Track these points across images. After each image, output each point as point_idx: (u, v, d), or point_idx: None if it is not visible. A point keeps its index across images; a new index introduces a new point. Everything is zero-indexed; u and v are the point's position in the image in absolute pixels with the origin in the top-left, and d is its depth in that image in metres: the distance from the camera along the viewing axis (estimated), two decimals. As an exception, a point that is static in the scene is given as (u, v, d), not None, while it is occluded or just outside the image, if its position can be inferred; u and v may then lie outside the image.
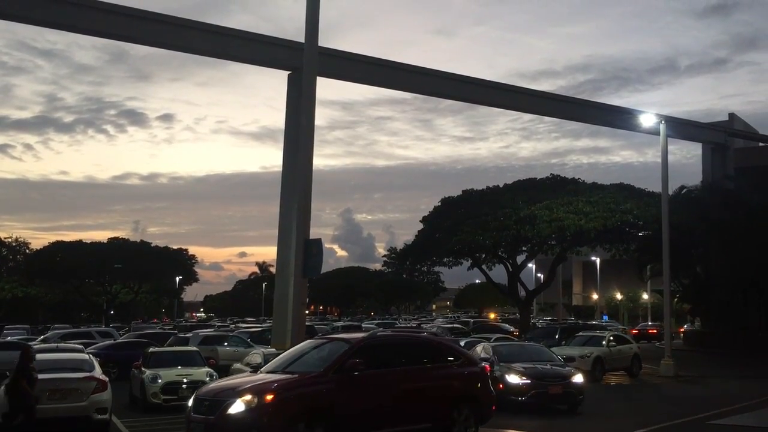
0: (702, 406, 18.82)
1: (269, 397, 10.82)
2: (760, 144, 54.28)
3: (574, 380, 17.83)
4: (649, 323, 63.33)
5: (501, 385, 17.34)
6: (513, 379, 17.59)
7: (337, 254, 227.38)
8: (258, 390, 10.99)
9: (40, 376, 15.30)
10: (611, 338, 29.05)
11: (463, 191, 51.80)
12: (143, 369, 19.45)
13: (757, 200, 38.96)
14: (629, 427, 15.29)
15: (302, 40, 17.36)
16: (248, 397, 10.81)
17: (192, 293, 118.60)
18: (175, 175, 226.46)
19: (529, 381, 17.47)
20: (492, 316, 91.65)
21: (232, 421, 10.69)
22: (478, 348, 20.45)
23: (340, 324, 55.77)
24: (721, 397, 21.10)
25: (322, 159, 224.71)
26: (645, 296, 77.89)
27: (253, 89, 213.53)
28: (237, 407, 10.73)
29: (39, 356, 17.77)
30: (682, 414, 17.46)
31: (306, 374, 11.67)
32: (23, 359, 13.92)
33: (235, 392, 11.04)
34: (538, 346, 21.48)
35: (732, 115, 53.44)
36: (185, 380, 18.83)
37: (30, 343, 30.91)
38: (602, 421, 16.58)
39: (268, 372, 12.30)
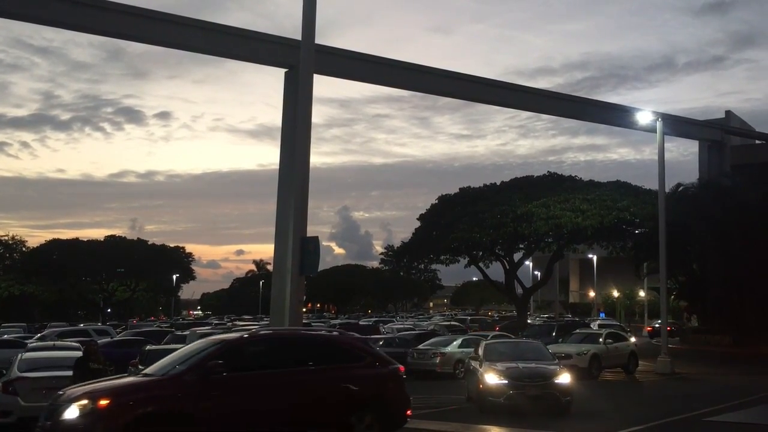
0: (698, 402, 18.85)
1: (103, 402, 10.15)
2: (757, 141, 54.42)
3: (557, 381, 16.54)
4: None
5: (480, 386, 16.87)
6: (491, 379, 16.60)
7: (334, 252, 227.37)
8: (93, 394, 10.36)
9: (37, 375, 15.35)
10: (608, 335, 29.14)
11: (460, 189, 51.89)
12: (140, 367, 19.43)
13: (753, 197, 39.03)
14: (624, 425, 15.30)
15: (299, 37, 17.35)
16: (83, 402, 10.17)
17: (189, 291, 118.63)
18: (172, 173, 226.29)
19: (506, 381, 16.40)
20: (490, 313, 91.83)
21: (64, 428, 10.06)
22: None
23: (337, 321, 55.76)
24: (718, 394, 21.14)
25: (319, 156, 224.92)
26: (642, 293, 78.03)
27: (250, 87, 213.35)
28: (71, 413, 10.10)
29: (35, 354, 17.85)
30: (677, 411, 17.50)
31: (163, 377, 10.95)
32: (86, 355, 14.21)
33: (73, 397, 10.43)
34: (534, 344, 20.63)
35: (729, 113, 53.57)
36: (182, 378, 18.82)
37: (25, 341, 30.96)
38: (593, 419, 16.44)
39: (146, 373, 11.61)
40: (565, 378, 16.72)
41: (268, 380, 11.24)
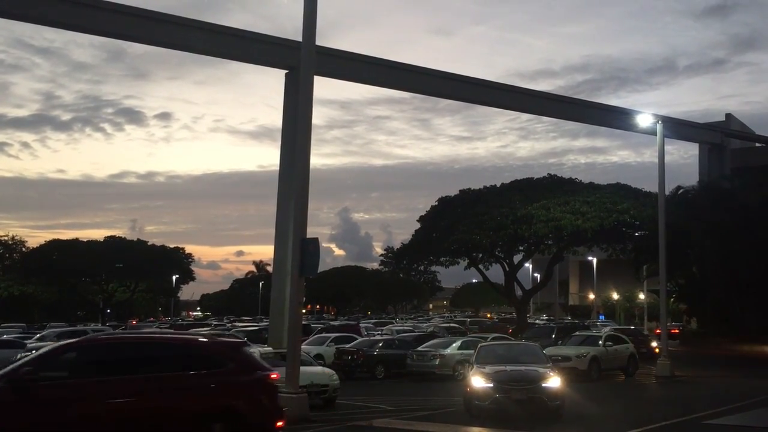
0: (698, 405, 18.84)
1: None
2: (757, 144, 54.45)
3: (545, 385, 16.01)
4: (672, 323, 62.85)
5: (468, 389, 16.62)
6: (477, 382, 16.25)
7: (334, 253, 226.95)
8: None
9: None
10: (607, 338, 29.17)
11: (460, 191, 51.88)
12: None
13: (753, 200, 39.04)
14: (623, 427, 15.29)
15: (300, 39, 17.37)
16: None
17: (189, 292, 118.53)
18: (173, 174, 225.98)
19: (491, 385, 15.99)
20: (489, 315, 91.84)
21: None
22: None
23: (336, 323, 55.76)
24: (717, 397, 21.14)
25: (319, 158, 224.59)
26: (641, 296, 77.97)
27: (251, 88, 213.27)
28: None
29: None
30: (677, 414, 17.47)
31: None
32: None
33: None
34: (530, 346, 20.15)
35: (729, 116, 53.64)
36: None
37: (25, 341, 30.95)
38: (583, 423, 16.27)
39: None
40: (554, 382, 16.20)
41: (96, 389, 10.16)
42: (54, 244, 78.89)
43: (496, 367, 16.74)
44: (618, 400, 21.46)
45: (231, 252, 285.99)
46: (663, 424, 15.89)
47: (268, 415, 11.05)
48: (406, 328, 47.56)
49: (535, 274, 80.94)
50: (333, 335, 34.34)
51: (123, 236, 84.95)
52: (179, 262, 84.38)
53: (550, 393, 16.06)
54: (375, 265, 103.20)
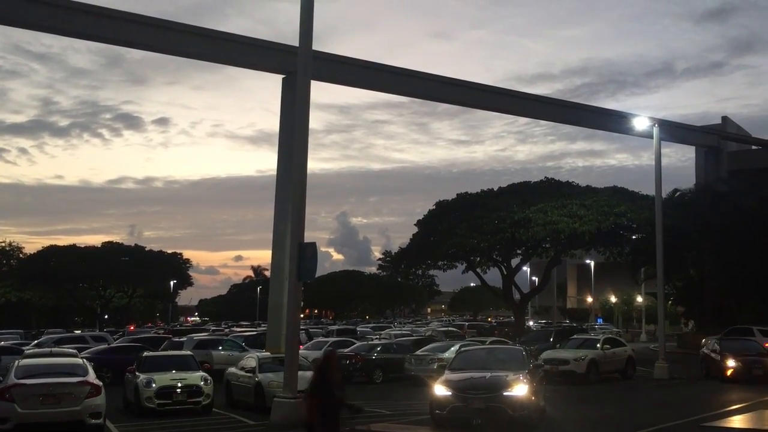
0: (695, 408, 18.86)
1: None
2: (753, 147, 54.57)
3: (507, 393, 14.90)
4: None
5: (431, 397, 15.92)
6: (439, 390, 15.54)
7: (332, 258, 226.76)
8: None
9: (34, 381, 15.30)
10: (605, 341, 29.19)
11: (458, 195, 51.94)
12: (137, 373, 19.42)
13: (749, 203, 39.15)
14: (622, 430, 15.28)
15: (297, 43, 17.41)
16: None
17: (186, 297, 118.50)
18: (171, 179, 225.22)
19: (450, 393, 15.24)
20: (489, 319, 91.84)
21: None
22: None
23: (335, 327, 55.72)
24: (715, 400, 21.16)
25: (317, 162, 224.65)
26: (639, 299, 78.02)
27: (249, 93, 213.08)
28: None
29: (32, 361, 17.82)
30: (675, 416, 17.47)
31: None
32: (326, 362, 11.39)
33: None
34: (512, 351, 18.77)
35: (725, 119, 53.73)
36: (179, 384, 18.84)
37: (22, 348, 30.90)
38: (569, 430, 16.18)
39: None
40: (519, 390, 15.02)
41: None
42: (51, 250, 78.71)
43: (462, 374, 16.01)
44: (615, 403, 21.47)
45: (229, 257, 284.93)
46: (661, 426, 15.91)
47: None
48: (404, 332, 47.56)
49: (533, 278, 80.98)
50: (331, 339, 34.31)
51: (121, 242, 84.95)
52: (177, 267, 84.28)
53: (513, 402, 14.88)
54: (373, 269, 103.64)
